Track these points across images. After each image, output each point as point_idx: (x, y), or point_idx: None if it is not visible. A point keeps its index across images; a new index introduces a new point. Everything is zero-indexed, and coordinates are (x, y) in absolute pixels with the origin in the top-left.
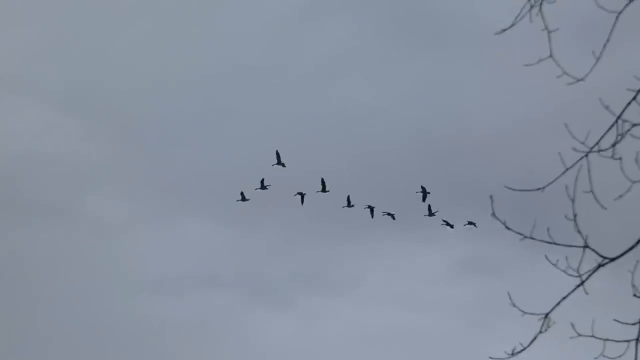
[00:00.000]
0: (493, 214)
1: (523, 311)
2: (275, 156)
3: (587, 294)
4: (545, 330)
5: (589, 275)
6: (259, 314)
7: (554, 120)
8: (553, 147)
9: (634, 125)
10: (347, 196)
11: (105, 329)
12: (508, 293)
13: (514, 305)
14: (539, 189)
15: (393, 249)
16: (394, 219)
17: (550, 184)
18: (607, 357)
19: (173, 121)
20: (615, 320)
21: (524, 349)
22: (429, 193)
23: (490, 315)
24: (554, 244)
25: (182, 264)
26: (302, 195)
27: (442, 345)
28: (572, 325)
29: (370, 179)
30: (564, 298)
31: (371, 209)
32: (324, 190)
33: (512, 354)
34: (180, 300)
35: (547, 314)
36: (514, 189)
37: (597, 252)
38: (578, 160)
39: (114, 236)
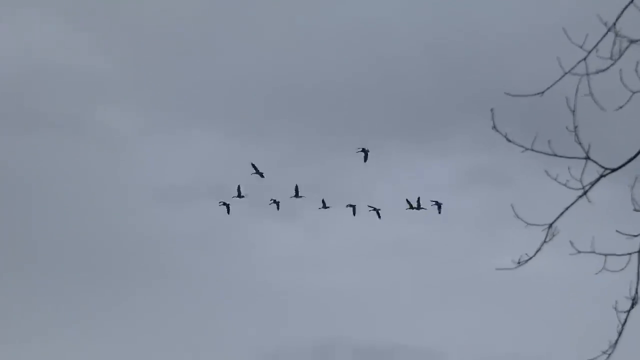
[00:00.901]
0: (494, 127)
1: (527, 222)
2: (252, 167)
3: (589, 202)
4: (550, 240)
5: (591, 186)
6: (267, 225)
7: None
8: (555, 55)
9: (632, 41)
10: (321, 199)
11: (113, 237)
12: (512, 205)
13: (518, 217)
14: (538, 93)
15: (399, 160)
16: (379, 216)
17: (549, 88)
18: (609, 270)
19: (185, 32)
20: (617, 231)
21: (530, 258)
22: (368, 151)
23: (496, 226)
24: (556, 155)
25: (190, 174)
26: (276, 202)
27: (448, 256)
28: (571, 243)
29: (381, 89)
30: (567, 208)
31: (353, 207)
32: (297, 195)
33: (519, 264)
34: (187, 211)
35: (550, 224)
36: (513, 95)
37: (598, 164)
38: (577, 64)
39: (124, 146)
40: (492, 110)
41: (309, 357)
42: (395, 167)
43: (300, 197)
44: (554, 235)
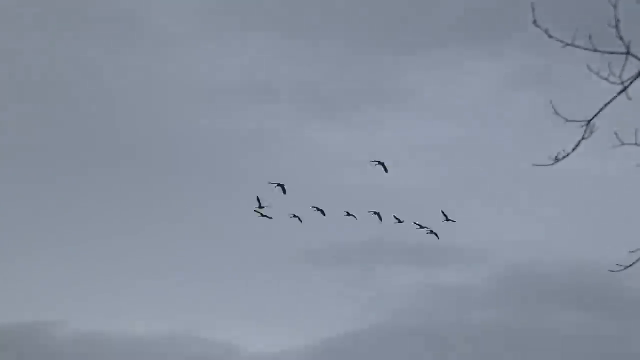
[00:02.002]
0: (535, 22)
1: (566, 119)
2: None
3: (629, 99)
4: (588, 136)
5: (631, 82)
6: (315, 126)
7: None
8: None
9: None
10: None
11: (163, 136)
12: (550, 101)
13: (557, 113)
14: None
15: (449, 63)
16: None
17: None
18: None
19: None
20: None
21: (567, 155)
22: (384, 163)
23: (540, 127)
24: (596, 50)
25: (239, 74)
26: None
27: (495, 157)
28: (616, 134)
29: None
30: (606, 105)
31: (378, 214)
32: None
33: (556, 160)
34: (237, 111)
35: (589, 121)
36: None
37: (639, 59)
38: None
39: (178, 47)
40: (532, 5)
41: (354, 255)
42: (443, 70)
43: (320, 210)
44: (592, 132)
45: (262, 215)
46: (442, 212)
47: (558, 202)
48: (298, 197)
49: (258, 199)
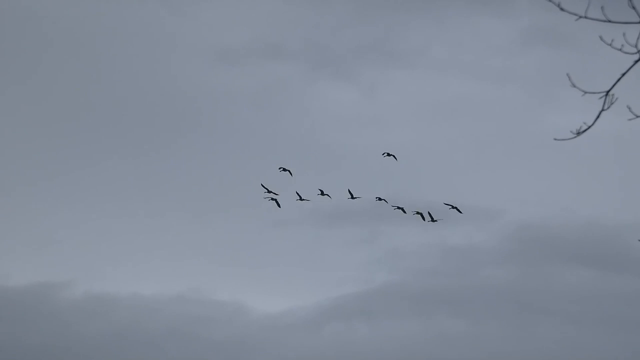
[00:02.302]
0: None
1: (584, 91)
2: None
3: None
4: (608, 107)
5: None
6: (323, 85)
7: None
8: None
9: None
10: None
11: (174, 95)
12: (567, 74)
13: (574, 86)
14: None
15: (457, 20)
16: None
17: None
18: None
19: None
20: None
21: (589, 127)
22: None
23: (552, 86)
24: (610, 21)
25: (248, 34)
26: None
27: (504, 115)
28: (629, 108)
29: None
30: (623, 75)
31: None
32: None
33: (578, 134)
34: (245, 70)
35: (607, 92)
36: None
37: None
38: None
39: (187, 5)
40: None
41: (362, 215)
42: (454, 27)
43: (326, 194)
44: (612, 103)
45: (271, 199)
46: (445, 203)
47: (568, 163)
48: (306, 156)
49: (263, 186)
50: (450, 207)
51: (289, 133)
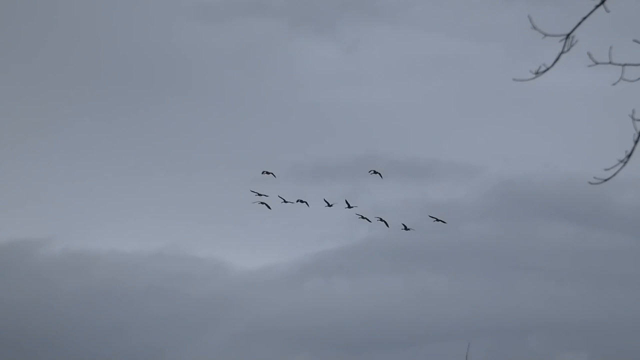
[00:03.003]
0: None
1: (544, 33)
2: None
3: (607, 11)
4: (568, 50)
5: None
6: (305, 42)
7: None
8: None
9: None
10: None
11: (152, 53)
12: (528, 16)
13: (535, 28)
14: None
15: None
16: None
17: None
18: (627, 80)
19: None
20: (635, 41)
21: (547, 69)
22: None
23: (533, 43)
24: None
25: None
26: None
27: (486, 71)
28: (589, 55)
29: None
30: (584, 18)
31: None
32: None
33: (536, 74)
34: (225, 27)
35: (568, 35)
36: None
37: None
38: None
39: None
40: None
41: (348, 172)
42: None
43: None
44: (571, 46)
45: (261, 202)
46: (430, 216)
47: (549, 118)
48: (288, 114)
49: (253, 191)
50: (435, 219)
51: (271, 90)
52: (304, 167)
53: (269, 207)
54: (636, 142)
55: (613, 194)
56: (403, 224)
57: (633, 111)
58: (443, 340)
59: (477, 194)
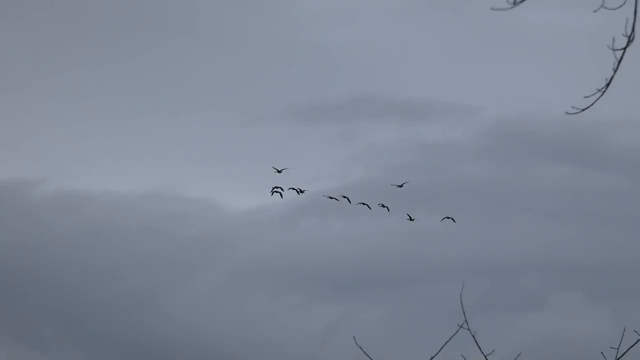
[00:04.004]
0: None
1: None
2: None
3: None
4: None
5: None
6: None
7: None
8: None
9: None
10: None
11: None
12: None
13: None
14: None
15: None
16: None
17: None
18: (607, 8)
19: None
20: None
21: None
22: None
23: None
24: None
25: None
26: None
27: (482, 10)
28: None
29: None
30: None
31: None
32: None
33: (514, 4)
34: None
35: None
36: None
37: None
38: None
39: None
40: None
41: (339, 111)
42: None
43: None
44: None
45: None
46: (447, 217)
47: (546, 58)
48: (284, 54)
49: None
50: (446, 218)
51: (268, 31)
52: (299, 107)
53: (281, 196)
54: (615, 71)
55: (609, 135)
56: (408, 215)
57: (613, 40)
58: (438, 280)
59: (473, 135)
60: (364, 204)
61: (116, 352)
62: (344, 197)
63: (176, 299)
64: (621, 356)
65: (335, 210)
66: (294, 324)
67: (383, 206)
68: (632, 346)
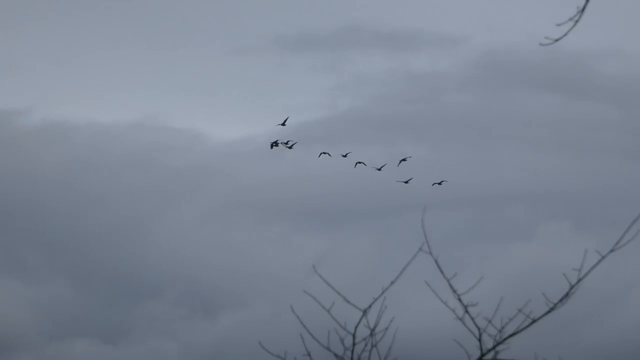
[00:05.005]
0: None
1: None
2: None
3: None
4: None
5: None
6: None
7: None
8: None
9: None
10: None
11: None
12: None
13: None
14: None
15: None
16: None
17: None
18: None
19: None
20: None
21: None
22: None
23: None
24: None
25: None
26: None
27: None
28: None
29: None
30: None
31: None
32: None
33: None
34: None
35: None
36: None
37: None
38: None
39: None
40: None
41: (326, 41)
42: None
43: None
44: None
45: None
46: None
47: None
48: None
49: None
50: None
51: None
52: (287, 38)
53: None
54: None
55: (596, 64)
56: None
57: None
58: (422, 210)
59: (460, 64)
60: (361, 162)
61: (100, 283)
62: (344, 155)
63: (162, 229)
64: (583, 277)
65: (323, 141)
66: (281, 255)
67: (379, 169)
68: (593, 267)
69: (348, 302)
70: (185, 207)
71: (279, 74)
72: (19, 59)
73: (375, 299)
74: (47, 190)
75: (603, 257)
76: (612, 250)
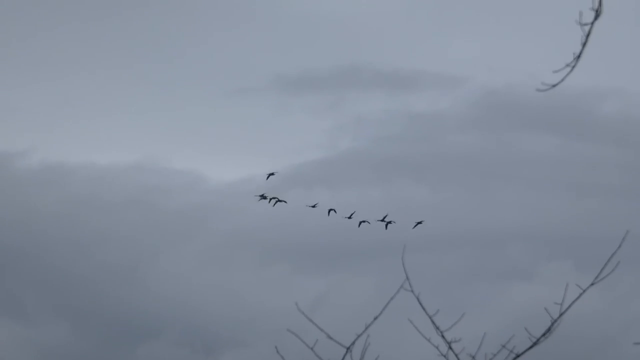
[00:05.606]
0: None
1: None
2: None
3: None
4: None
5: None
6: None
7: None
8: None
9: None
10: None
11: None
12: None
13: None
14: None
15: None
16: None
17: None
18: None
19: None
20: None
21: None
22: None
23: None
24: None
25: None
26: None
27: None
28: None
29: None
30: None
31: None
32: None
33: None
34: None
35: None
36: None
37: None
38: None
39: None
40: None
41: (326, 82)
42: None
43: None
44: None
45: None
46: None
47: (534, 28)
48: (270, 23)
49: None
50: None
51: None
52: (287, 78)
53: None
54: (584, 45)
55: (596, 104)
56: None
57: (580, 13)
58: (423, 250)
59: (460, 105)
60: (365, 221)
61: (100, 325)
62: (348, 217)
63: (161, 269)
64: (564, 311)
65: (322, 182)
66: (281, 295)
67: (387, 222)
68: (574, 301)
69: (331, 338)
70: (185, 248)
71: (279, 114)
72: (18, 100)
73: (359, 336)
74: (46, 231)
75: (584, 291)
76: (592, 284)
